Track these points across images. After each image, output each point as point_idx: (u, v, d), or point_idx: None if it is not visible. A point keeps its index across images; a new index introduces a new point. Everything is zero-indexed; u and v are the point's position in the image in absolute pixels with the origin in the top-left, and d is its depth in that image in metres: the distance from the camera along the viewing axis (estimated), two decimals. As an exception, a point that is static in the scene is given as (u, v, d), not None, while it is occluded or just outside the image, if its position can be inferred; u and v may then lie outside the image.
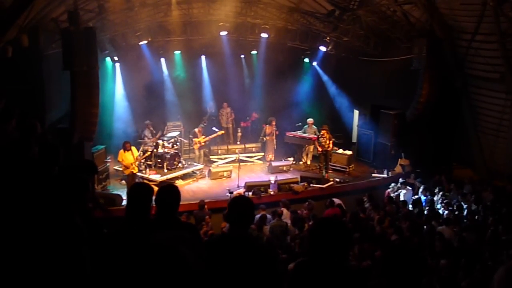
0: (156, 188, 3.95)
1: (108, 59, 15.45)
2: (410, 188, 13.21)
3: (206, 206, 11.75)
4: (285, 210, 11.34)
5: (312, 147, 16.58)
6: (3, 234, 3.20)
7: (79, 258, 3.13)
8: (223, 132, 16.69)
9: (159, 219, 3.79)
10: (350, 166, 16.21)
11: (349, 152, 16.50)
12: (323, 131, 15.37)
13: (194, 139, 15.96)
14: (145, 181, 12.86)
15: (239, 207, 3.60)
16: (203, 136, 15.98)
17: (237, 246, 3.45)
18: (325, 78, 18.97)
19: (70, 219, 3.35)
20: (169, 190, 3.99)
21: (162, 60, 16.99)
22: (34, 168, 4.28)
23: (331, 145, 15.44)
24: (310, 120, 16.81)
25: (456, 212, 10.64)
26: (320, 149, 15.40)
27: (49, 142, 5.61)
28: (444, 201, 11.22)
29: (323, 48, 17.00)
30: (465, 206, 11.13)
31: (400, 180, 13.71)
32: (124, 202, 12.26)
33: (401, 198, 12.63)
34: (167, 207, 3.81)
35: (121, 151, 13.34)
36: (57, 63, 12.35)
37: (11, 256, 3.02)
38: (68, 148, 11.14)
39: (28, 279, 3.02)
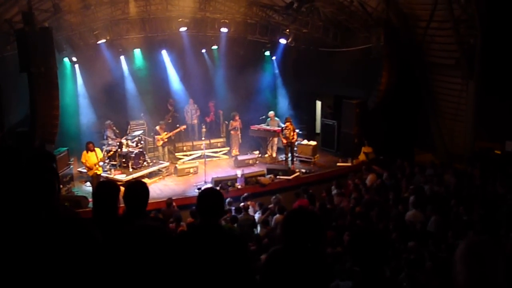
0: (122, 188, 3.95)
1: (66, 59, 15.11)
2: (373, 175, 13.49)
3: (174, 204, 11.72)
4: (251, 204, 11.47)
5: (276, 139, 16.70)
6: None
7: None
8: (184, 126, 16.58)
9: (128, 216, 3.80)
10: (315, 156, 16.41)
11: (313, 143, 16.69)
12: (287, 123, 15.50)
13: (156, 136, 15.86)
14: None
15: (209, 199, 3.64)
16: (165, 133, 15.90)
17: (209, 236, 3.49)
18: (286, 70, 19.09)
19: (36, 219, 3.32)
20: (137, 186, 4.00)
21: (122, 58, 16.73)
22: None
23: (295, 137, 15.58)
24: (271, 113, 16.89)
25: (417, 194, 10.92)
26: (285, 141, 15.53)
27: (10, 146, 5.49)
28: (410, 186, 11.49)
29: (283, 41, 17.11)
30: (426, 188, 11.44)
31: (363, 167, 14.02)
32: (90, 204, 12.11)
33: (366, 184, 12.86)
34: (135, 203, 3.80)
35: (84, 152, 13.15)
36: (13, 65, 12.04)
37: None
38: (29, 152, 10.88)
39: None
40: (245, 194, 12.08)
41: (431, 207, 9.39)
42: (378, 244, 2.91)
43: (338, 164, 15.96)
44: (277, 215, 10.35)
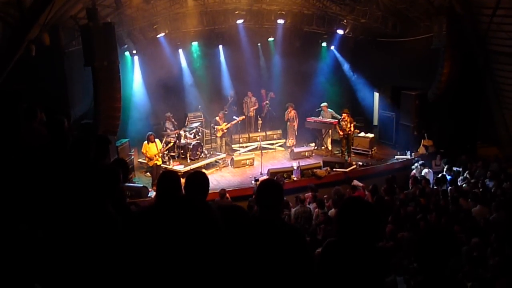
0: (181, 179, 4.04)
1: (127, 53, 15.58)
2: (430, 170, 13.19)
3: (227, 195, 11.85)
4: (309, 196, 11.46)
5: (332, 131, 16.59)
6: (42, 228, 3.32)
7: (115, 247, 3.23)
8: (243, 117, 16.74)
9: (189, 204, 3.87)
10: (373, 149, 16.17)
11: (371, 135, 16.45)
12: (344, 115, 15.32)
13: (216, 127, 16.09)
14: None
15: (269, 190, 3.60)
16: (225, 123, 16.11)
17: (268, 229, 3.47)
18: (343, 62, 18.88)
19: (104, 210, 3.47)
20: (199, 176, 4.07)
21: (180, 51, 17.08)
22: (69, 163, 4.42)
23: (352, 129, 15.38)
24: (324, 105, 16.74)
25: (481, 190, 10.57)
26: (341, 133, 15.37)
27: (80, 137, 5.75)
28: (472, 180, 11.13)
29: (340, 32, 16.89)
30: (491, 184, 11.04)
31: (420, 161, 13.71)
32: (150, 194, 12.49)
33: (427, 178, 12.56)
34: (198, 193, 3.85)
35: (145, 143, 13.55)
36: (78, 60, 12.54)
37: (51, 248, 3.14)
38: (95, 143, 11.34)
39: (66, 270, 3.15)
40: (311, 185, 12.13)
41: (495, 202, 9.04)
42: (445, 245, 2.87)
43: (396, 157, 15.65)
44: (333, 209, 10.29)
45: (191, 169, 13.95)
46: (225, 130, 16.12)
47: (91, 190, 3.58)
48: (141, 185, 13.02)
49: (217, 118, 16.16)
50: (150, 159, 13.56)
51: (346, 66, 18.85)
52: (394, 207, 9.95)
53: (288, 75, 17.75)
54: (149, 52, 15.94)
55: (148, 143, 13.51)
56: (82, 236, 3.24)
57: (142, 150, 13.78)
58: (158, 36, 15.17)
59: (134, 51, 15.58)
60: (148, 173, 14.49)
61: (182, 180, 3.91)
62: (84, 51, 12.08)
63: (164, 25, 15.03)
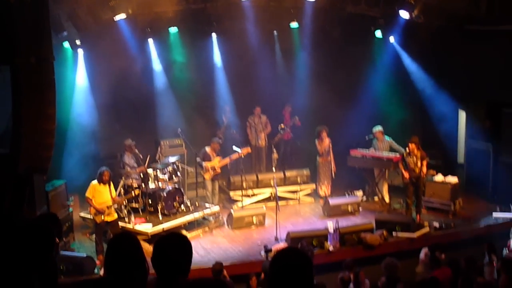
0: (147, 246, 4.05)
1: (66, 44, 15.75)
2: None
3: (225, 272, 11.73)
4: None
5: (392, 172, 16.55)
6: None
7: None
8: (248, 149, 16.73)
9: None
10: (457, 202, 16.10)
11: (454, 180, 16.36)
12: (411, 146, 15.28)
13: (204, 164, 16.11)
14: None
15: (289, 267, 3.57)
16: (219, 158, 16.15)
17: None
18: (409, 60, 19.01)
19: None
20: (174, 242, 4.08)
21: (150, 41, 17.29)
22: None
23: (424, 169, 15.34)
24: (378, 129, 16.85)
25: None
26: (407, 175, 15.32)
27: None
28: None
29: (404, 14, 17.01)
30: None
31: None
32: (97, 269, 12.41)
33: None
34: (172, 270, 3.89)
35: (94, 183, 13.42)
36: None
37: None
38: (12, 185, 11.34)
39: None
40: (348, 260, 11.99)
41: None
42: None
43: (495, 214, 15.53)
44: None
45: (163, 230, 13.90)
46: (219, 170, 16.14)
47: (8, 258, 3.58)
48: (84, 255, 12.93)
49: (207, 149, 16.21)
50: (99, 211, 13.50)
51: (413, 68, 18.94)
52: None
53: (320, 82, 17.86)
54: (101, 43, 16.12)
55: (99, 183, 13.45)
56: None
57: (86, 195, 13.65)
58: (117, 18, 15.36)
59: (78, 42, 15.76)
60: (94, 235, 14.42)
61: (148, 248, 3.90)
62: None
63: (126, 3, 15.22)
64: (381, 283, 10.98)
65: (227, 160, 16.25)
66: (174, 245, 4.02)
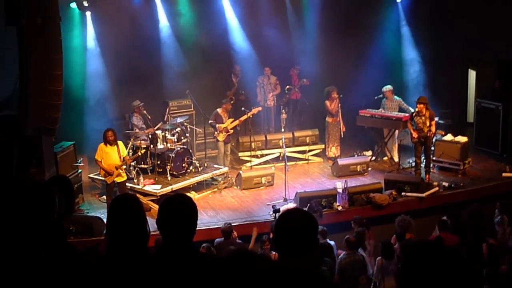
0: (155, 207, 3.99)
1: (73, 5, 15.62)
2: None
3: (234, 233, 11.72)
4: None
5: (401, 132, 16.49)
6: None
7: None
8: (259, 109, 16.69)
9: (166, 252, 3.79)
10: (466, 161, 16.02)
11: (463, 139, 16.25)
12: (419, 106, 15.12)
13: (218, 125, 16.03)
14: (138, 195, 12.86)
15: (296, 227, 3.57)
16: (231, 119, 16.08)
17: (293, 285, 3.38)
18: (419, 21, 18.78)
19: (29, 253, 3.42)
20: (179, 204, 4.02)
21: (158, 2, 17.10)
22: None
23: (433, 128, 15.21)
24: (387, 89, 16.75)
25: None
26: (415, 135, 15.19)
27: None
28: None
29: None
30: None
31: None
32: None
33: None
34: (177, 231, 3.83)
35: (101, 145, 13.39)
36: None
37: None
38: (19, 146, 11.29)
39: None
40: (357, 217, 11.96)
41: None
42: None
43: (505, 174, 15.46)
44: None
45: (172, 191, 13.88)
46: (231, 131, 16.06)
47: (8, 220, 3.53)
48: (93, 215, 12.96)
49: (219, 110, 16.11)
50: (109, 173, 13.47)
51: (423, 28, 18.67)
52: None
53: (329, 43, 17.71)
54: (109, 3, 15.93)
55: (106, 144, 13.39)
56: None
57: (95, 158, 13.66)
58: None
59: (86, 3, 15.59)
60: (104, 197, 14.43)
61: (154, 209, 3.84)
62: (6, 3, 12.04)
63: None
64: (394, 240, 11.00)
65: (237, 121, 16.18)
66: (178, 207, 3.95)
